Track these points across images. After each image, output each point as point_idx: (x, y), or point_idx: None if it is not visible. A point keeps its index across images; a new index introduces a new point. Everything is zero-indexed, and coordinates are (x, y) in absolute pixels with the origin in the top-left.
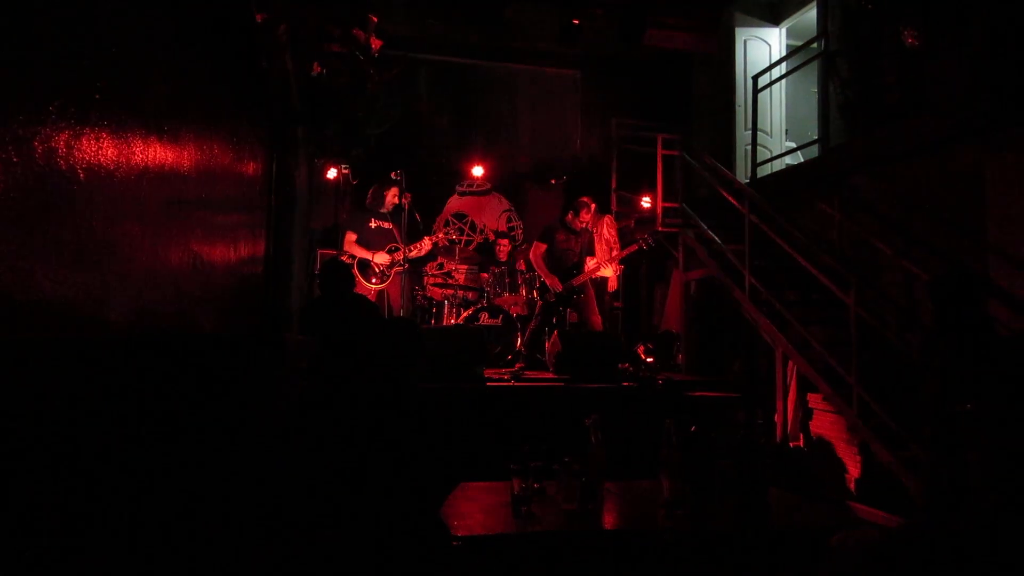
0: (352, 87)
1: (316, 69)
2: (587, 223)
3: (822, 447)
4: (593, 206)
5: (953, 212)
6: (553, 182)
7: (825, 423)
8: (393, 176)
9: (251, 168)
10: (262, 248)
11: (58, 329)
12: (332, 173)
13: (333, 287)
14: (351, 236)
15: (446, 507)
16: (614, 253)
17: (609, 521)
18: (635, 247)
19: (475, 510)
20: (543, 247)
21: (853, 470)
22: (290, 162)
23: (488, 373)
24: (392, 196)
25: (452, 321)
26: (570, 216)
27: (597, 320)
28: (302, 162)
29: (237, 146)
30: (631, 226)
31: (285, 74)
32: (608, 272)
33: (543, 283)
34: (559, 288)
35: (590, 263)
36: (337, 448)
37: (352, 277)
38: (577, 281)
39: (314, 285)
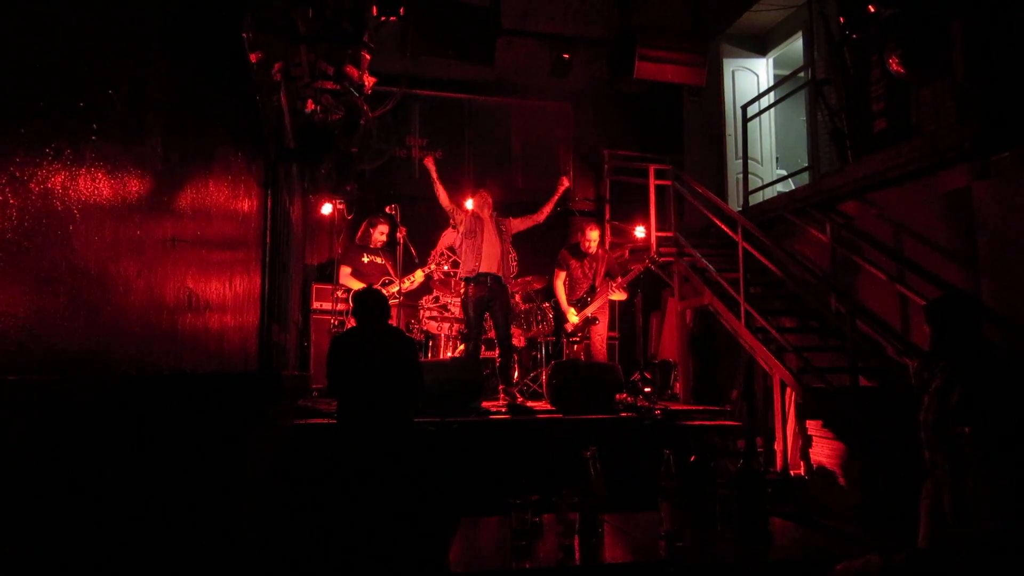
0: (346, 124)
1: (310, 106)
2: (594, 244)
3: (823, 475)
4: (597, 229)
5: (944, 236)
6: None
7: (825, 450)
8: (388, 211)
9: (247, 205)
10: (258, 284)
11: (51, 371)
12: (327, 208)
13: (364, 317)
14: (345, 269)
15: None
16: (619, 280)
17: (609, 555)
18: (641, 267)
19: (473, 545)
20: (562, 274)
21: (855, 497)
22: (285, 198)
23: (485, 405)
24: (379, 233)
25: (448, 354)
26: (579, 238)
27: (602, 348)
28: (297, 198)
29: (232, 184)
30: (625, 256)
31: (279, 112)
32: (620, 296)
33: (557, 314)
34: (577, 321)
35: (604, 289)
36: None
37: (385, 306)
38: (592, 311)
39: (310, 321)
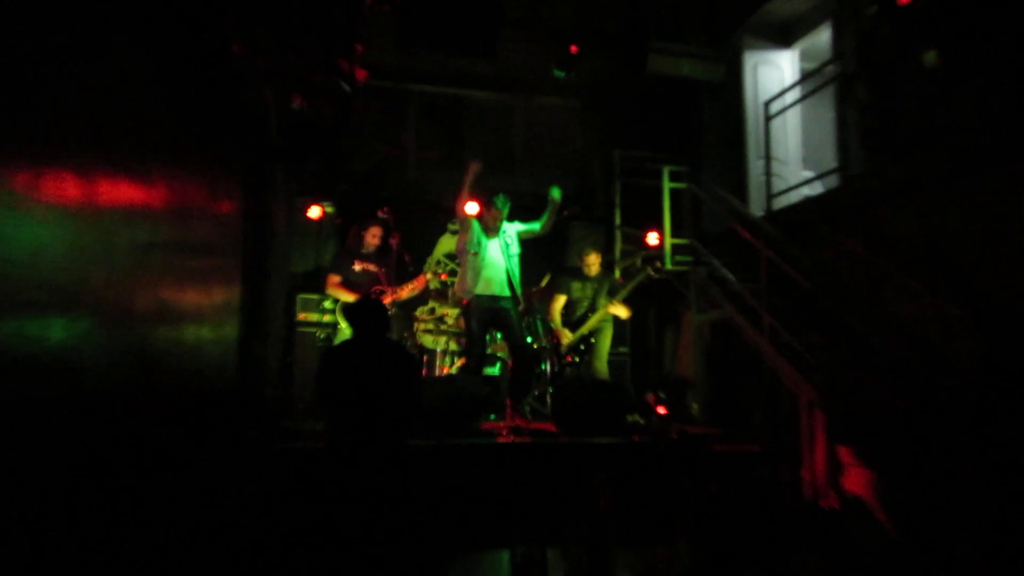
0: (336, 120)
1: (297, 102)
2: (595, 267)
3: (857, 506)
4: (596, 254)
5: (986, 243)
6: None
7: (859, 479)
8: (380, 214)
9: (226, 208)
10: (238, 294)
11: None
12: (315, 212)
13: (362, 330)
14: (334, 278)
15: None
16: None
17: None
18: (641, 274)
19: None
20: (562, 299)
21: (892, 532)
22: (269, 201)
23: (486, 426)
24: (372, 236)
25: (445, 371)
26: (579, 261)
27: (603, 365)
28: (282, 201)
29: (211, 185)
30: (637, 265)
31: (264, 108)
32: (621, 312)
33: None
34: (566, 340)
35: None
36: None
37: (385, 318)
38: (589, 329)
39: (294, 334)
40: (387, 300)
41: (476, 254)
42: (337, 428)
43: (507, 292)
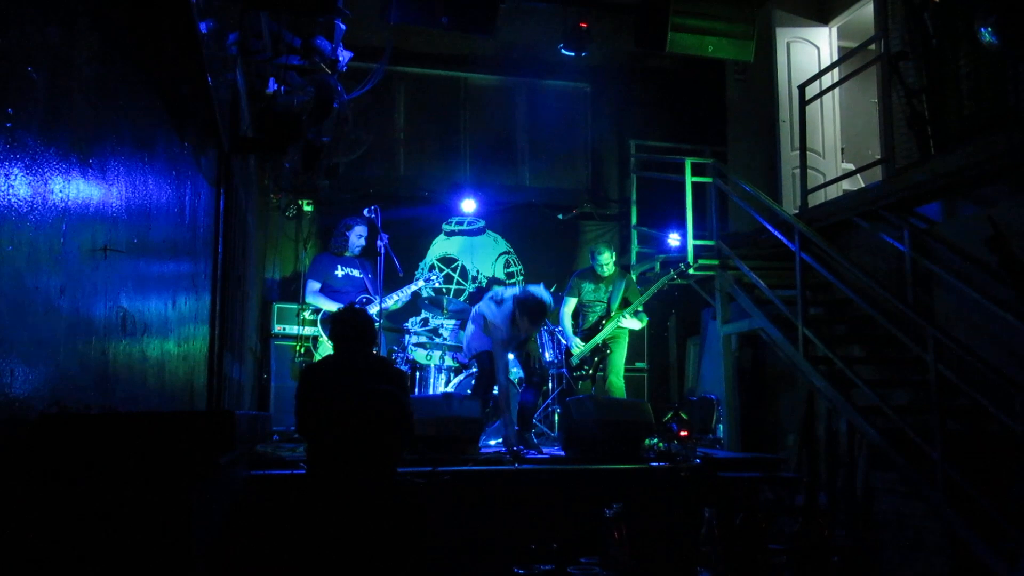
0: (315, 107)
1: (272, 86)
2: (608, 266)
3: (899, 536)
4: (609, 250)
5: None
6: (560, 217)
7: (904, 509)
8: (366, 213)
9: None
10: (207, 303)
11: None
12: (293, 211)
13: (344, 344)
14: (314, 285)
15: None
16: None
17: None
18: (662, 279)
19: None
20: (572, 302)
21: (939, 565)
22: (241, 198)
23: (484, 453)
24: (357, 237)
25: (440, 389)
26: (591, 260)
27: (619, 384)
28: (256, 198)
29: (177, 180)
30: (655, 269)
31: (235, 93)
32: (634, 324)
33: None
34: (586, 353)
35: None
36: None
37: (370, 330)
38: (603, 339)
39: (270, 348)
40: (374, 310)
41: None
42: (318, 454)
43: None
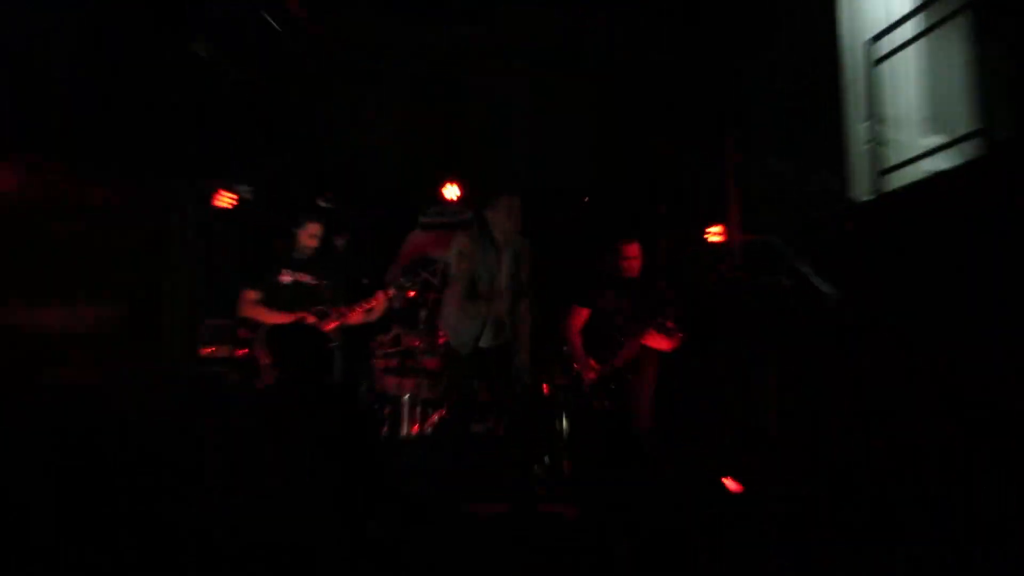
0: (262, 72)
1: (207, 47)
2: (637, 263)
3: None
4: (637, 245)
5: None
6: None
7: None
8: (320, 203)
9: (106, 196)
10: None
11: None
12: (231, 202)
13: (287, 369)
14: (250, 295)
15: None
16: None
17: None
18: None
19: None
20: (584, 314)
21: None
22: (167, 186)
23: (475, 509)
24: (309, 237)
25: (417, 429)
26: (614, 262)
27: (647, 414)
28: (185, 186)
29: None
30: (691, 273)
31: (160, 55)
32: (662, 343)
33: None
34: (592, 376)
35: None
36: None
37: (320, 352)
38: (622, 360)
39: (199, 375)
40: (330, 326)
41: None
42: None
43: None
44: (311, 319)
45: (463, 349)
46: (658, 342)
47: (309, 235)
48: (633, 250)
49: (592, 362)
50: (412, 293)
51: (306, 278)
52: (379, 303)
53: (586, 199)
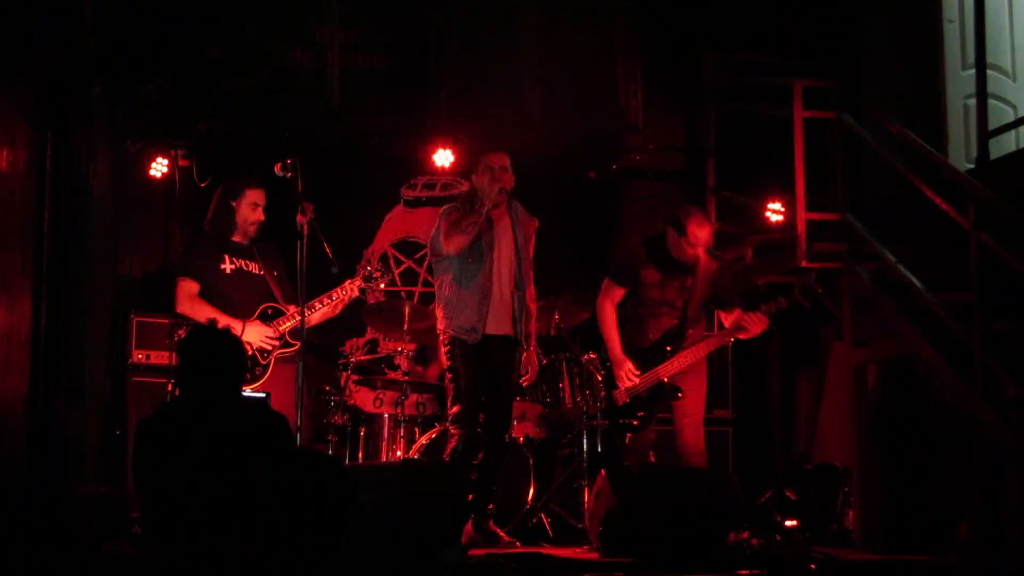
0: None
1: None
2: (703, 241)
3: None
4: (708, 226)
5: None
6: (593, 175)
7: None
8: (277, 170)
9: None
10: (26, 316)
11: None
12: (161, 167)
13: (196, 384)
14: (188, 286)
15: None
16: (741, 315)
17: None
18: (784, 301)
19: None
20: (620, 293)
21: None
22: (81, 149)
23: (474, 554)
24: (249, 207)
25: (398, 454)
26: (673, 237)
27: (697, 442)
28: (103, 148)
29: None
30: (743, 258)
31: None
32: (754, 325)
33: (609, 375)
34: (635, 381)
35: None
36: None
37: (234, 363)
38: (675, 367)
39: (127, 386)
40: (285, 326)
41: (480, 261)
42: (178, 564)
43: (512, 332)
44: (250, 322)
45: (471, 337)
46: (754, 324)
47: (250, 205)
48: (704, 226)
49: (631, 367)
50: (384, 283)
51: (251, 266)
52: (346, 297)
53: (613, 166)
